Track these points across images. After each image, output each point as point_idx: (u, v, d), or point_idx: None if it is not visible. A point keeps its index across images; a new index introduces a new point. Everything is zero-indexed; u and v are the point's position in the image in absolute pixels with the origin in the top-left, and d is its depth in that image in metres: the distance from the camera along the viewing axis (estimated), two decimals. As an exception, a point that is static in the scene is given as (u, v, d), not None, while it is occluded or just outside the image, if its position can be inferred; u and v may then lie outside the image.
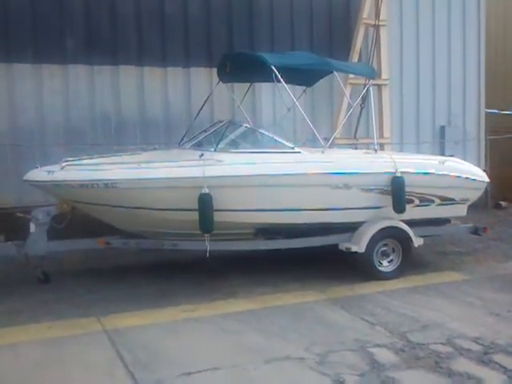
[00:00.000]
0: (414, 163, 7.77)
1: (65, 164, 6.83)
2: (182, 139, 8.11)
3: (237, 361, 4.77)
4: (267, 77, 7.49)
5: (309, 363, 4.72)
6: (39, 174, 6.80)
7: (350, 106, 8.75)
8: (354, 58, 10.93)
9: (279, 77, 7.26)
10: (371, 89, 8.52)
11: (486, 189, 8.67)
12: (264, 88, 10.33)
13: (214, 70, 8.81)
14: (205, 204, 6.50)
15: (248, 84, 9.11)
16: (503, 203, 13.74)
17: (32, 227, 6.89)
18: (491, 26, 14.86)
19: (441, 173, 7.69)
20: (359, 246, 7.19)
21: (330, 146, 7.82)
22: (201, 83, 10.15)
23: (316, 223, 7.23)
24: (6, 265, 7.64)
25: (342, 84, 8.86)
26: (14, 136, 9.06)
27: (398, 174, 7.30)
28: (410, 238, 7.46)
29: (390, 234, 7.41)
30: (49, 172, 6.74)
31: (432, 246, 9.06)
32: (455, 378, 4.44)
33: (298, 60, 7.99)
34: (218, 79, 8.57)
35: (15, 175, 8.14)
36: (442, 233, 8.73)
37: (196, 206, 6.49)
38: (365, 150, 8.48)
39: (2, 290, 6.91)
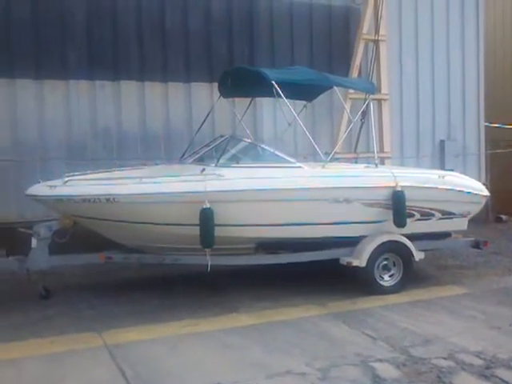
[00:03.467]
0: (415, 177, 7.79)
1: (67, 179, 6.86)
2: (184, 154, 8.14)
3: (238, 376, 4.76)
4: (268, 92, 7.53)
5: (310, 378, 4.70)
6: (41, 188, 6.82)
7: (350, 121, 8.80)
8: (354, 73, 11.01)
9: (280, 92, 7.31)
10: (371, 104, 8.56)
11: (487, 203, 8.68)
12: (265, 103, 10.40)
13: (215, 85, 8.89)
14: (206, 219, 6.52)
15: (249, 99, 9.16)
16: (504, 217, 13.77)
17: (34, 242, 6.89)
18: (490, 40, 14.98)
19: (441, 187, 7.72)
20: (360, 260, 7.19)
21: (331, 161, 7.85)
22: (202, 98, 10.23)
23: (317, 237, 7.24)
24: (7, 280, 7.65)
25: (342, 99, 8.92)
26: (15, 151, 9.11)
27: (399, 189, 7.32)
28: (411, 252, 7.46)
29: (391, 248, 7.41)
30: (51, 187, 6.76)
31: (433, 260, 9.07)
32: (457, 393, 4.44)
33: (298, 75, 8.04)
34: (219, 94, 8.62)
35: (17, 190, 8.19)
36: (442, 247, 8.72)
37: (197, 221, 6.51)
38: (365, 165, 8.51)
39: (4, 305, 6.91)
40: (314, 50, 11.28)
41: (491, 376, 4.70)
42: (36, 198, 6.92)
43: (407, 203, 7.34)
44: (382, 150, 10.88)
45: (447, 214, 7.83)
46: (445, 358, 5.09)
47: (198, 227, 6.52)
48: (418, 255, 7.53)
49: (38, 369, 5.01)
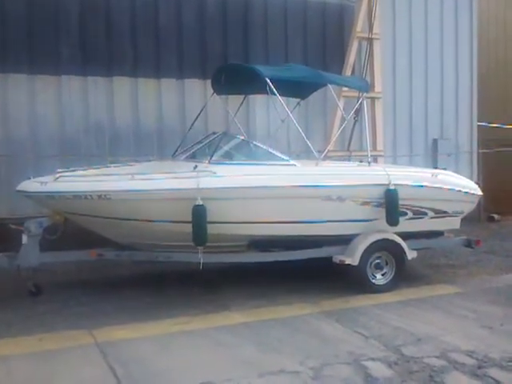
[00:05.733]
0: (408, 176, 7.79)
1: (58, 175, 6.82)
2: (176, 151, 8.09)
3: (230, 374, 4.73)
4: (261, 89, 7.52)
5: (303, 377, 4.69)
6: (32, 184, 6.77)
7: (343, 119, 8.78)
8: (348, 71, 11.00)
9: (273, 89, 7.29)
10: (364, 102, 8.55)
11: (479, 202, 8.70)
12: (258, 100, 10.37)
13: (208, 82, 8.85)
14: (198, 216, 6.48)
15: (242, 96, 9.13)
16: (496, 216, 13.83)
17: (24, 239, 6.84)
18: (483, 39, 15.02)
19: (434, 186, 7.72)
20: (353, 258, 7.18)
21: (324, 159, 7.84)
22: (195, 95, 10.19)
23: (310, 235, 7.23)
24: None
25: (335, 97, 8.90)
26: (7, 146, 9.03)
27: (392, 187, 7.31)
28: (403, 250, 7.46)
29: (384, 246, 7.41)
30: (42, 183, 6.72)
31: (425, 259, 9.08)
32: (449, 392, 4.43)
33: (292, 73, 8.02)
34: (212, 91, 8.59)
35: (8, 186, 8.13)
36: (435, 245, 8.74)
37: (190, 218, 6.48)
38: (358, 163, 8.50)
39: (-6, 301, 6.87)
40: (308, 48, 11.27)
41: (483, 375, 4.69)
42: (27, 194, 6.87)
43: (400, 202, 7.34)
44: (375, 148, 10.88)
45: (440, 213, 7.83)
46: (437, 357, 5.09)
47: (190, 224, 6.48)
48: (411, 254, 7.53)
49: (28, 366, 4.96)
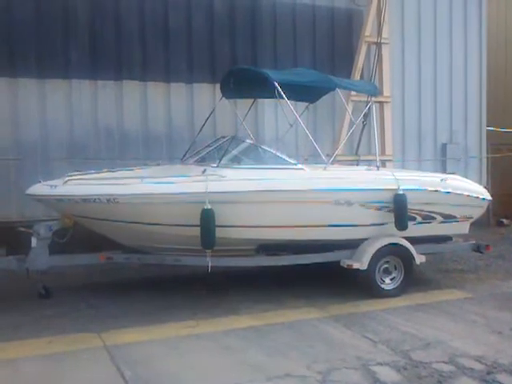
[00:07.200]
0: (416, 180, 7.77)
1: (67, 179, 6.86)
2: (185, 154, 8.12)
3: (238, 378, 4.73)
4: (270, 93, 7.52)
5: (310, 381, 4.68)
6: (42, 188, 6.81)
7: (352, 123, 8.77)
8: (356, 75, 10.98)
9: (282, 93, 7.29)
10: (373, 106, 8.53)
11: (488, 206, 8.66)
12: (267, 104, 10.37)
13: (217, 86, 8.87)
14: (207, 220, 6.50)
15: (251, 100, 9.15)
16: (505, 221, 13.76)
17: (33, 242, 6.88)
18: (493, 44, 14.96)
19: (443, 190, 7.69)
20: (361, 263, 7.16)
21: (332, 163, 7.83)
22: (204, 99, 10.20)
23: (318, 240, 7.22)
24: (7, 279, 7.62)
25: (344, 101, 8.89)
26: (16, 150, 9.08)
27: (400, 192, 7.30)
28: (412, 255, 7.43)
29: (392, 251, 7.38)
30: (51, 186, 6.75)
31: (434, 264, 9.04)
32: (458, 398, 4.41)
33: (300, 77, 8.03)
34: (221, 95, 8.61)
35: (17, 189, 8.17)
36: (444, 250, 8.70)
37: (198, 222, 6.49)
38: (367, 167, 8.49)
39: (3, 304, 6.89)
40: (316, 52, 11.26)
41: (492, 381, 4.67)
42: (36, 198, 6.91)
43: (409, 206, 7.32)
44: (383, 152, 10.84)
45: (449, 218, 7.80)
46: (446, 363, 5.07)
47: (198, 228, 6.50)
48: (419, 258, 7.50)
49: (36, 369, 4.99)
